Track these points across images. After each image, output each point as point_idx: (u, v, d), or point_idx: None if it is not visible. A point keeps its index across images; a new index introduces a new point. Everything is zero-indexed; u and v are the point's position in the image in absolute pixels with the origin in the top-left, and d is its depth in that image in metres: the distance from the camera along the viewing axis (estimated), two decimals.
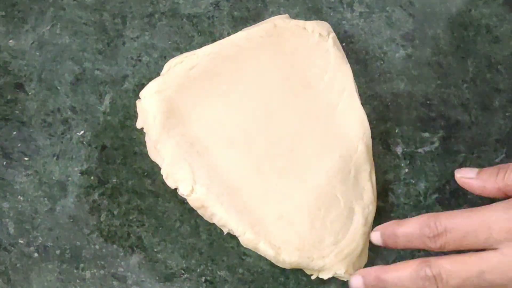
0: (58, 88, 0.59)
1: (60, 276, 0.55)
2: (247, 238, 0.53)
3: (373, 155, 0.57)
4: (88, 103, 0.59)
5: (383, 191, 0.58)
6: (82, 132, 0.58)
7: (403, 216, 0.57)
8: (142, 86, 0.58)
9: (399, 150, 0.59)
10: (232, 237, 0.55)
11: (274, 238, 0.53)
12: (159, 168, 0.55)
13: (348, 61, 0.58)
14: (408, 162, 0.59)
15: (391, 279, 0.50)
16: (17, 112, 0.58)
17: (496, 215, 0.48)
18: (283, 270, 0.56)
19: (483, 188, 0.52)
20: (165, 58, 0.60)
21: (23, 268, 0.55)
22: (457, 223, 0.49)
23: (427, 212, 0.52)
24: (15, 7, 0.60)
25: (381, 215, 0.57)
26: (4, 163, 0.57)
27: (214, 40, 0.60)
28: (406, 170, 0.59)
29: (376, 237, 0.52)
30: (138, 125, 0.56)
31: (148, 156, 0.56)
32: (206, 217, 0.55)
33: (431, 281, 0.48)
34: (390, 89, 0.60)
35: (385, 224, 0.52)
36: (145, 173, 0.57)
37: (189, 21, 0.61)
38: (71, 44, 0.60)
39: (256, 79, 0.57)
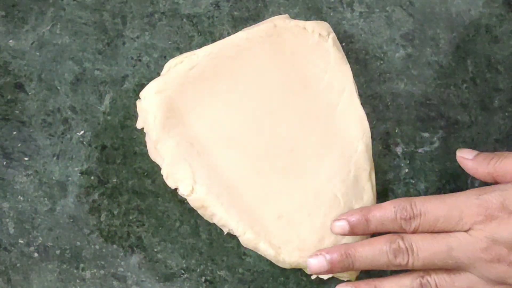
0: (58, 88, 0.59)
1: (60, 276, 0.55)
2: (247, 238, 0.53)
3: (373, 155, 0.57)
4: (88, 103, 0.59)
5: (383, 191, 0.58)
6: (82, 132, 0.58)
7: None
8: (142, 86, 0.58)
9: (399, 150, 0.59)
10: (232, 237, 0.55)
11: (274, 238, 0.54)
12: (159, 168, 0.55)
13: (348, 61, 0.58)
14: (408, 162, 0.59)
15: (363, 253, 0.51)
16: (17, 112, 0.58)
17: (469, 200, 0.51)
18: (283, 270, 0.56)
19: (476, 170, 0.54)
20: (165, 58, 0.60)
21: (23, 268, 0.55)
22: (432, 207, 0.51)
23: None
24: (15, 7, 0.60)
25: None
26: (4, 163, 0.57)
27: (214, 40, 0.60)
28: (406, 170, 0.59)
29: (342, 225, 0.52)
30: (138, 125, 0.56)
31: (148, 156, 0.56)
32: (206, 217, 0.55)
33: (403, 252, 0.50)
34: (390, 89, 0.60)
35: (348, 212, 0.53)
36: (145, 173, 0.57)
37: (189, 21, 0.61)
38: (71, 44, 0.60)
39: (256, 79, 0.56)
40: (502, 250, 0.50)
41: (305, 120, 0.56)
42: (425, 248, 0.51)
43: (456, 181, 0.58)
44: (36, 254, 0.56)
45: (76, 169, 0.57)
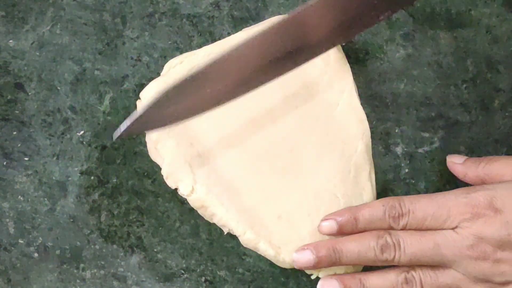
0: (58, 88, 0.59)
1: (60, 276, 0.55)
2: (247, 238, 0.53)
3: (373, 155, 0.57)
4: (88, 103, 0.59)
5: (383, 191, 0.58)
6: (82, 132, 0.58)
7: None
8: (142, 86, 0.58)
9: (399, 150, 0.59)
10: (232, 237, 0.55)
11: (274, 238, 0.54)
12: (159, 168, 0.55)
13: (348, 61, 0.58)
14: (408, 162, 0.59)
15: (350, 248, 0.52)
16: (17, 112, 0.58)
17: (456, 198, 0.51)
18: (283, 270, 0.56)
19: (465, 174, 0.55)
20: (165, 58, 0.60)
21: (23, 268, 0.55)
22: (420, 205, 0.52)
23: None
24: (15, 7, 0.60)
25: None
26: (4, 163, 0.57)
27: (214, 40, 0.60)
28: (406, 170, 0.59)
29: (330, 224, 0.53)
30: None
31: (148, 156, 0.56)
32: (206, 217, 0.55)
33: (390, 248, 0.51)
34: (390, 89, 0.60)
35: (336, 212, 0.53)
36: (145, 173, 0.57)
37: (189, 21, 0.61)
38: (71, 44, 0.60)
39: None
40: (487, 247, 0.50)
41: (305, 120, 0.56)
42: (412, 244, 0.51)
43: (456, 181, 0.58)
44: (36, 254, 0.56)
45: (76, 169, 0.57)
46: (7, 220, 0.56)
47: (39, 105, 0.58)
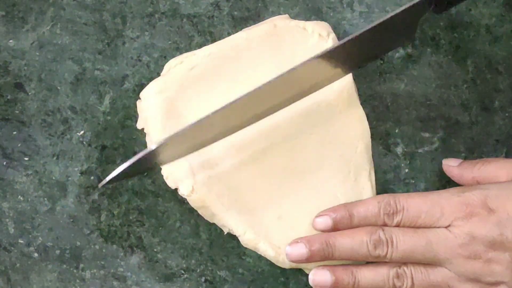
0: (58, 88, 0.59)
1: (60, 276, 0.55)
2: (247, 238, 0.53)
3: (373, 155, 0.57)
4: (88, 103, 0.59)
5: (383, 191, 0.58)
6: (82, 132, 0.58)
7: None
8: (142, 86, 0.58)
9: (399, 150, 0.59)
10: (232, 237, 0.55)
11: (274, 238, 0.54)
12: (159, 168, 0.55)
13: None
14: (408, 162, 0.59)
15: (343, 243, 0.52)
16: (17, 112, 0.58)
17: (450, 197, 0.52)
18: (283, 270, 0.56)
19: (461, 176, 0.56)
20: (165, 58, 0.60)
21: (23, 268, 0.55)
22: (414, 202, 0.52)
23: None
24: (15, 7, 0.60)
25: None
26: (4, 163, 0.57)
27: (214, 40, 0.60)
28: (406, 170, 0.59)
29: (324, 220, 0.53)
30: (139, 125, 0.56)
31: None
32: (207, 217, 0.55)
33: (383, 244, 0.51)
34: (390, 89, 0.60)
35: (331, 208, 0.53)
36: (145, 173, 0.57)
37: (189, 21, 0.61)
38: (71, 44, 0.60)
39: (256, 79, 0.56)
40: (479, 247, 0.51)
41: (305, 120, 0.56)
42: (405, 241, 0.51)
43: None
44: (36, 254, 0.56)
45: (76, 169, 0.57)
46: (7, 220, 0.56)
47: (39, 105, 0.58)
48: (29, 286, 0.55)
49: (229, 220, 0.54)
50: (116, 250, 0.56)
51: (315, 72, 0.53)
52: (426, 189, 0.58)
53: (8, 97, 0.59)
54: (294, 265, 0.54)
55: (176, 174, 0.54)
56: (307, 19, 0.61)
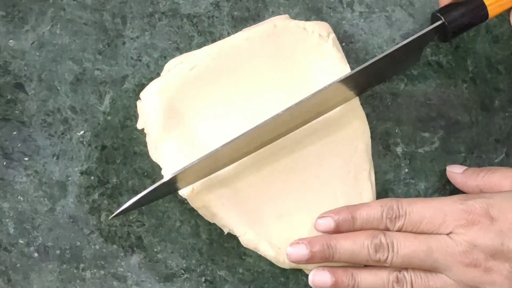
0: (58, 88, 0.59)
1: (60, 276, 0.55)
2: (247, 238, 0.53)
3: (373, 155, 0.57)
4: (88, 103, 0.59)
5: (383, 191, 0.58)
6: (82, 132, 0.58)
7: None
8: (142, 86, 0.58)
9: (399, 150, 0.59)
10: (232, 237, 0.55)
11: (274, 238, 0.54)
12: (159, 168, 0.55)
13: (348, 61, 0.58)
14: (408, 162, 0.59)
15: (344, 245, 0.52)
16: (17, 112, 0.58)
17: (453, 204, 0.52)
18: (283, 270, 0.56)
19: (465, 183, 0.56)
20: (165, 58, 0.60)
21: (23, 268, 0.55)
22: (417, 208, 0.52)
23: None
24: (15, 7, 0.60)
25: None
26: (4, 163, 0.57)
27: (214, 40, 0.60)
28: (406, 170, 0.59)
29: (327, 222, 0.53)
30: (139, 126, 0.56)
31: (148, 156, 0.56)
32: (207, 217, 0.55)
33: (384, 248, 0.51)
34: (390, 89, 0.60)
35: (334, 210, 0.53)
36: (145, 173, 0.57)
37: (189, 21, 0.61)
38: (71, 44, 0.60)
39: (256, 79, 0.56)
40: (480, 255, 0.51)
41: None
42: (406, 246, 0.51)
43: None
44: (36, 254, 0.56)
45: (76, 169, 0.57)
46: (7, 220, 0.56)
47: (39, 105, 0.58)
48: (29, 286, 0.55)
49: (229, 220, 0.54)
50: (116, 250, 0.56)
51: (326, 99, 0.54)
52: (426, 189, 0.58)
53: (8, 97, 0.59)
54: (294, 265, 0.54)
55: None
56: (307, 19, 0.61)
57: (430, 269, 0.52)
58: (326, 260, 0.52)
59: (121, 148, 0.58)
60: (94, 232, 0.56)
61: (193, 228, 0.56)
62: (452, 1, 0.57)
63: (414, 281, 0.52)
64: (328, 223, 0.53)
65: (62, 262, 0.55)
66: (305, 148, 0.56)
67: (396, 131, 0.59)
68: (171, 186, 0.52)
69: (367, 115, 0.58)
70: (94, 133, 0.58)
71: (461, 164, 0.59)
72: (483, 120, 0.60)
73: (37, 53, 0.59)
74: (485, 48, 0.62)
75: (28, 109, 0.58)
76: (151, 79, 0.57)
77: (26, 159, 0.57)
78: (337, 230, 0.53)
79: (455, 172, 0.57)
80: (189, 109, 0.55)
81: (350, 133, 0.56)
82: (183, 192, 0.54)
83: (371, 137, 0.57)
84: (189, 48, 0.60)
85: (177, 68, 0.56)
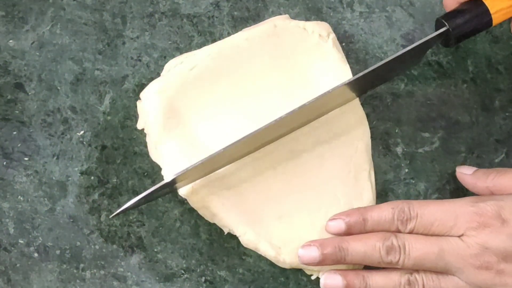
0: (58, 88, 0.59)
1: (60, 276, 0.55)
2: (247, 239, 0.53)
3: (373, 155, 0.57)
4: (88, 103, 0.59)
5: (383, 191, 0.58)
6: (82, 132, 0.58)
7: None
8: (142, 86, 0.58)
9: (399, 150, 0.59)
10: (232, 237, 0.55)
11: (274, 238, 0.54)
12: (159, 168, 0.55)
13: (348, 61, 0.58)
14: (408, 162, 0.59)
15: (356, 248, 0.52)
16: (17, 112, 0.58)
17: (464, 206, 0.52)
18: (283, 270, 0.56)
19: (475, 184, 0.55)
20: (165, 58, 0.60)
21: (23, 268, 0.55)
22: (428, 210, 0.52)
23: None
24: (15, 7, 0.60)
25: None
26: (4, 163, 0.57)
27: (214, 40, 0.60)
28: (406, 170, 0.59)
29: (338, 224, 0.53)
30: (139, 126, 0.56)
31: (148, 156, 0.56)
32: (207, 217, 0.55)
33: (395, 250, 0.51)
34: (390, 89, 0.60)
35: (345, 212, 0.53)
36: (145, 173, 0.57)
37: (189, 21, 0.61)
38: (71, 44, 0.60)
39: (256, 79, 0.56)
40: (491, 258, 0.50)
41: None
42: (418, 248, 0.51)
43: (456, 181, 0.58)
44: (36, 254, 0.56)
45: (76, 169, 0.57)
46: (7, 220, 0.56)
47: (39, 105, 0.58)
48: (29, 286, 0.55)
49: (229, 221, 0.54)
50: (116, 250, 0.56)
51: (328, 101, 0.55)
52: (426, 189, 0.58)
53: (8, 97, 0.59)
54: (294, 265, 0.54)
55: None
56: (307, 19, 0.61)
57: (441, 271, 0.52)
58: (338, 262, 0.52)
59: (121, 148, 0.58)
60: (94, 232, 0.56)
61: (193, 228, 0.56)
62: (457, 7, 0.57)
63: (425, 283, 0.52)
64: (339, 225, 0.53)
65: (62, 262, 0.55)
66: (305, 148, 0.56)
67: (396, 131, 0.59)
68: (172, 186, 0.52)
69: (367, 115, 0.58)
70: (94, 133, 0.58)
71: (461, 164, 0.59)
72: (483, 120, 0.60)
73: (37, 53, 0.59)
74: (485, 48, 0.62)
75: (28, 109, 0.58)
76: (151, 79, 0.57)
77: (26, 159, 0.57)
78: (348, 232, 0.53)
79: (465, 173, 0.56)
80: (189, 109, 0.55)
81: (350, 133, 0.56)
82: (183, 192, 0.54)
83: (371, 137, 0.57)
84: (189, 48, 0.60)
85: (177, 68, 0.56)
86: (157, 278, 0.55)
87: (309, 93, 0.56)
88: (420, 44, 0.56)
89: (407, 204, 0.52)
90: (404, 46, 0.61)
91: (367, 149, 0.57)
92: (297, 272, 0.56)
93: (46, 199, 0.57)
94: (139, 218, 0.56)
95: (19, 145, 0.58)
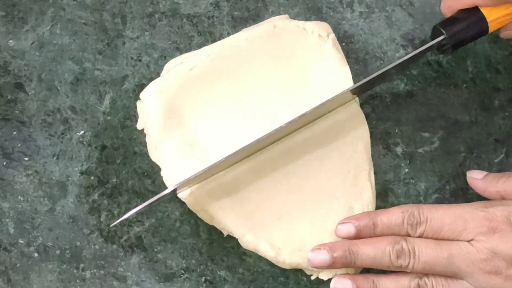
0: (58, 88, 0.59)
1: (60, 276, 0.55)
2: (247, 240, 0.53)
3: (373, 155, 0.57)
4: (88, 103, 0.59)
5: (383, 191, 0.58)
6: (82, 132, 0.58)
7: None
8: (142, 86, 0.58)
9: (399, 150, 0.59)
10: (232, 237, 0.55)
11: (274, 239, 0.54)
12: (159, 168, 0.55)
13: (348, 61, 0.58)
14: (408, 162, 0.59)
15: (366, 252, 0.52)
16: (17, 112, 0.58)
17: (474, 211, 0.52)
18: (283, 270, 0.56)
19: (485, 189, 0.55)
20: (165, 58, 0.60)
21: (23, 268, 0.55)
22: (438, 215, 0.52)
23: None
24: (15, 7, 0.60)
25: None
26: (4, 163, 0.57)
27: (214, 40, 0.60)
28: (406, 170, 0.59)
29: (347, 228, 0.53)
30: (139, 126, 0.56)
31: (148, 156, 0.56)
32: (206, 220, 0.55)
33: (405, 254, 0.51)
34: (390, 89, 0.60)
35: (354, 216, 0.54)
36: (145, 173, 0.57)
37: (189, 21, 0.61)
38: (71, 44, 0.60)
39: (255, 79, 0.56)
40: (501, 263, 0.51)
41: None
42: (427, 252, 0.51)
43: (456, 181, 0.58)
44: (36, 254, 0.56)
45: (76, 169, 0.57)
46: (7, 220, 0.56)
47: (39, 105, 0.58)
48: (29, 286, 0.55)
49: (229, 223, 0.54)
50: (116, 250, 0.56)
51: (329, 104, 0.55)
52: (426, 189, 0.58)
53: (8, 97, 0.59)
54: (294, 266, 0.54)
55: (175, 176, 0.54)
56: (307, 19, 0.61)
57: (451, 275, 0.52)
58: (347, 265, 0.52)
59: (121, 148, 0.58)
60: (94, 232, 0.56)
61: (193, 228, 0.56)
62: (454, 14, 0.57)
63: (435, 287, 0.52)
64: (349, 229, 0.53)
65: (62, 262, 0.55)
66: (305, 148, 0.56)
67: (396, 131, 0.59)
68: (172, 193, 0.53)
69: (367, 115, 0.58)
70: (94, 133, 0.58)
71: (461, 164, 0.59)
72: (483, 120, 0.60)
73: (37, 53, 0.59)
74: (485, 48, 0.62)
75: (28, 109, 0.58)
76: (151, 79, 0.57)
77: (26, 159, 0.57)
78: (358, 236, 0.53)
79: (476, 178, 0.56)
80: (189, 109, 0.55)
81: (350, 133, 0.56)
82: (182, 195, 0.54)
83: (371, 137, 0.57)
84: (189, 48, 0.60)
85: (177, 68, 0.56)
86: (157, 278, 0.55)
87: (308, 93, 0.56)
88: (419, 53, 0.57)
89: (417, 208, 0.53)
90: (404, 46, 0.61)
91: (366, 149, 0.57)
92: (297, 272, 0.56)
93: (46, 199, 0.57)
94: (139, 218, 0.56)
95: (19, 145, 0.58)
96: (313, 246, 0.53)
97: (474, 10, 0.57)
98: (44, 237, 0.56)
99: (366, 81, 0.55)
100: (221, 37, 0.60)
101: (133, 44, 0.60)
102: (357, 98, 0.58)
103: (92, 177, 0.57)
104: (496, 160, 0.59)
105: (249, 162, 0.55)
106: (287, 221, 0.54)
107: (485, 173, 0.56)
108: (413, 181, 0.59)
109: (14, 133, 0.58)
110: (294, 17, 0.61)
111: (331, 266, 0.52)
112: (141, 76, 0.59)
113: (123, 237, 0.56)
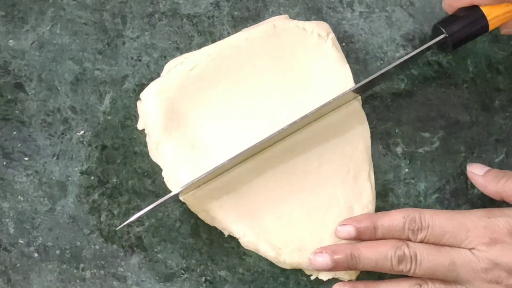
0: (58, 88, 0.59)
1: (60, 276, 0.55)
2: (247, 240, 0.53)
3: (373, 155, 0.57)
4: (88, 103, 0.59)
5: (383, 191, 0.58)
6: (82, 132, 0.58)
7: None
8: (142, 86, 0.58)
9: (399, 150, 0.59)
10: (232, 237, 0.55)
11: (274, 239, 0.54)
12: (159, 168, 0.55)
13: (348, 61, 0.58)
14: (408, 162, 0.59)
15: (368, 256, 0.52)
16: (17, 112, 0.58)
17: (477, 220, 0.52)
18: (283, 270, 0.56)
19: (485, 187, 0.55)
20: (165, 58, 0.60)
21: (23, 268, 0.55)
22: (440, 221, 0.52)
23: None
24: (15, 7, 0.60)
25: None
26: (4, 163, 0.57)
27: (214, 40, 0.60)
28: (406, 170, 0.59)
29: (348, 230, 0.53)
30: (139, 126, 0.56)
31: (148, 156, 0.56)
32: (206, 220, 0.55)
33: (407, 260, 0.51)
34: (390, 89, 0.60)
35: (355, 217, 0.54)
36: (145, 173, 0.57)
37: (189, 21, 0.61)
38: (71, 44, 0.60)
39: (255, 79, 0.56)
40: (502, 273, 0.51)
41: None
42: (429, 258, 0.51)
43: (456, 181, 0.58)
44: (36, 254, 0.56)
45: (76, 169, 0.57)
46: (7, 220, 0.56)
47: (39, 105, 0.58)
48: (29, 286, 0.55)
49: (229, 223, 0.54)
50: (116, 250, 0.56)
51: (330, 105, 0.55)
52: (426, 189, 0.58)
53: (8, 97, 0.59)
54: (294, 266, 0.54)
55: (176, 177, 0.54)
56: (307, 19, 0.61)
57: (451, 282, 0.52)
58: (349, 269, 0.53)
59: (121, 148, 0.58)
60: (94, 232, 0.56)
61: (193, 228, 0.56)
62: (454, 12, 0.57)
63: None
64: (349, 231, 0.53)
65: (62, 262, 0.55)
66: (305, 148, 0.56)
67: (396, 131, 0.59)
68: (173, 196, 0.53)
69: (367, 115, 0.58)
70: (94, 133, 0.58)
71: (461, 164, 0.59)
72: (483, 120, 0.60)
73: (37, 53, 0.59)
74: (485, 48, 0.61)
75: (28, 109, 0.58)
76: (151, 79, 0.57)
77: (26, 159, 0.57)
78: (358, 238, 0.53)
79: (476, 174, 0.56)
80: (189, 109, 0.55)
81: (350, 133, 0.56)
82: (182, 196, 0.54)
83: (371, 137, 0.57)
84: (189, 48, 0.60)
85: (177, 68, 0.56)
86: (157, 278, 0.55)
87: (308, 93, 0.56)
88: (419, 52, 0.57)
89: (419, 214, 0.52)
90: (404, 46, 0.61)
91: (367, 149, 0.57)
92: (297, 272, 0.56)
93: (46, 199, 0.57)
94: (139, 218, 0.56)
95: (19, 145, 0.58)
96: (313, 246, 0.53)
97: (474, 9, 0.57)
98: (44, 237, 0.56)
99: (367, 81, 0.55)
100: (221, 37, 0.60)
101: (133, 44, 0.60)
102: (359, 97, 0.58)
103: (92, 177, 0.57)
104: (496, 160, 0.59)
105: (249, 162, 0.55)
106: (287, 221, 0.54)
107: (486, 168, 0.56)
108: (413, 181, 0.59)
109: (14, 133, 0.58)
110: (294, 17, 0.61)
111: (332, 269, 0.53)
112: (141, 76, 0.59)
113: (123, 237, 0.56)
